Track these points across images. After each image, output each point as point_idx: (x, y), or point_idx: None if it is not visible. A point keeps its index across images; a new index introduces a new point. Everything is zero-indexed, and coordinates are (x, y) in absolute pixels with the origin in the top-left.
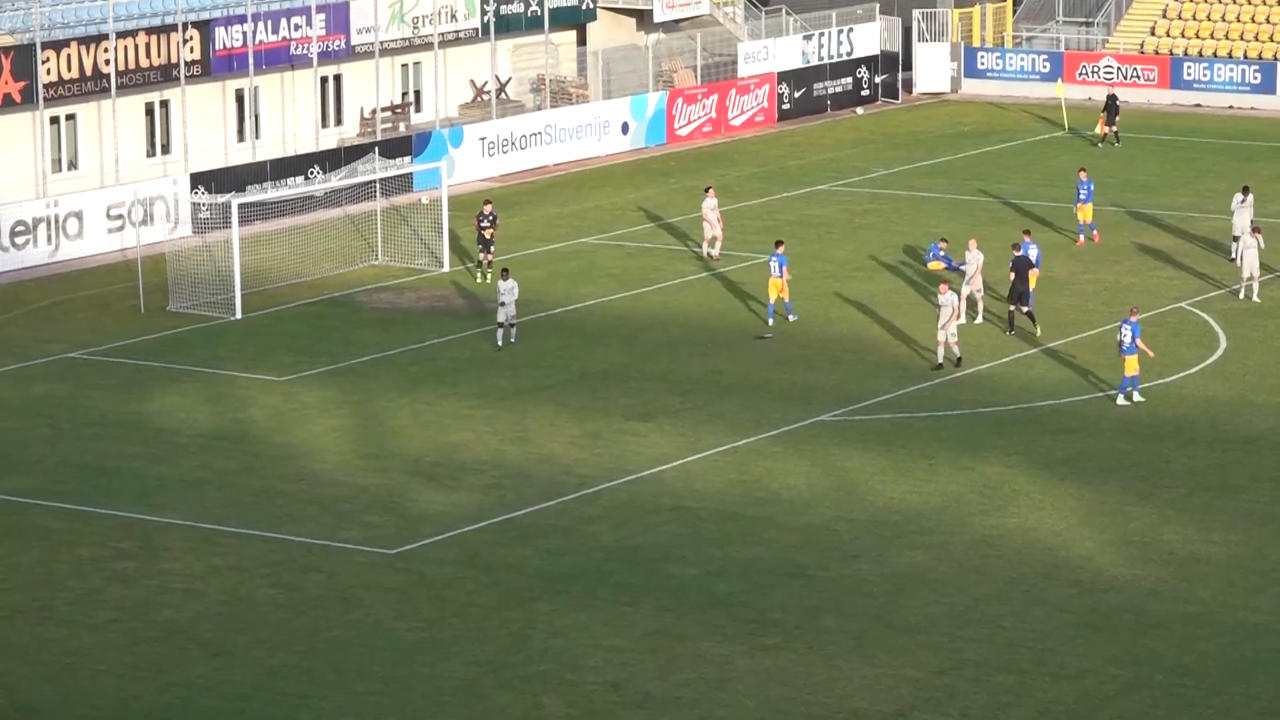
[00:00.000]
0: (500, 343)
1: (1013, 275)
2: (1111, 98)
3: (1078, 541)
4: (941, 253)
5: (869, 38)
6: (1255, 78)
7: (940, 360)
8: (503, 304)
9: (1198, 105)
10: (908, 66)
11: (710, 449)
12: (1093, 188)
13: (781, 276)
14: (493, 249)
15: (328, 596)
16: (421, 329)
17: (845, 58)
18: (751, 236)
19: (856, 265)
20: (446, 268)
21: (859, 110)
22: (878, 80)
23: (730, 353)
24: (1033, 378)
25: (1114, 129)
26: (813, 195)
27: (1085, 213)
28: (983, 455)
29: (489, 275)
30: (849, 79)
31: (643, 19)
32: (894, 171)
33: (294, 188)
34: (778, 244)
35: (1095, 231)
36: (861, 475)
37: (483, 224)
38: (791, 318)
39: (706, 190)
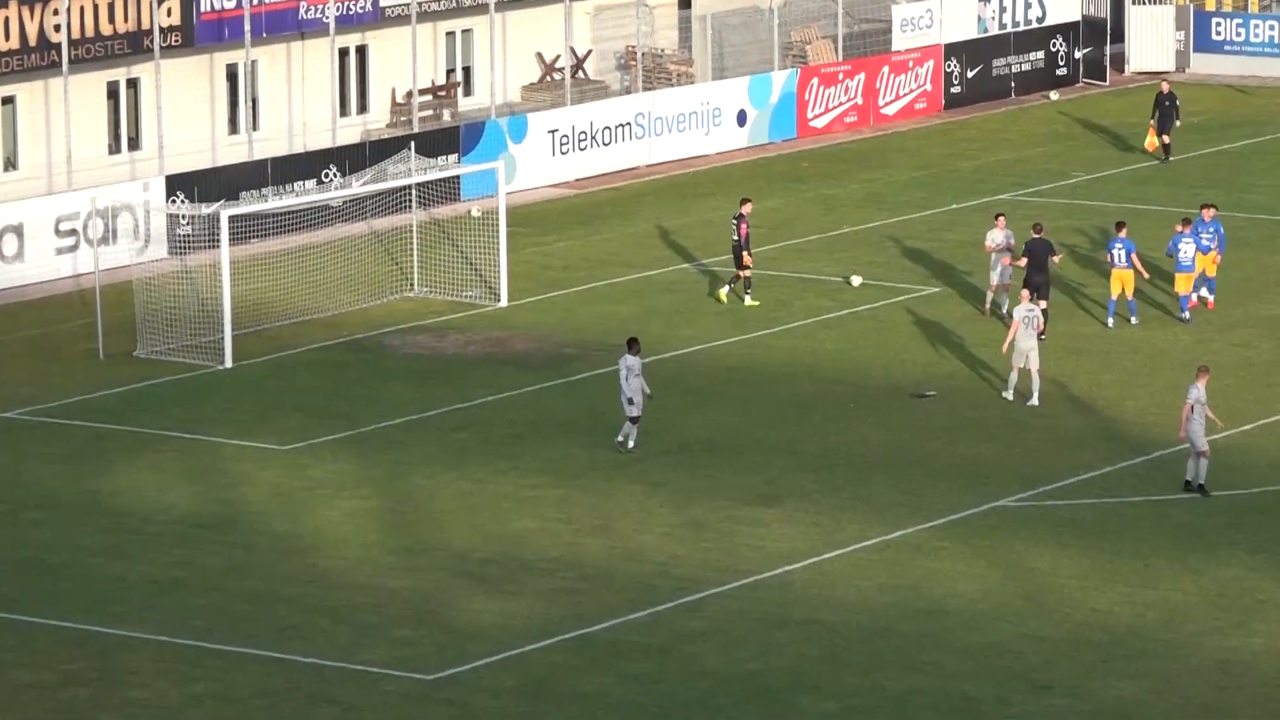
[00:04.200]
0: (632, 442)
1: (1024, 262)
2: (1164, 96)
3: None
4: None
5: (1067, 0)
6: None
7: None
8: (630, 400)
9: None
10: (1118, 38)
11: (853, 543)
12: (1222, 231)
13: (1130, 266)
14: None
15: None
16: (470, 382)
17: (1035, 25)
18: (909, 262)
19: (1051, 302)
20: (504, 301)
21: (1053, 95)
22: (1078, 56)
23: (881, 416)
24: None
25: (1164, 139)
26: (991, 207)
27: (1207, 264)
28: (1217, 554)
29: (737, 293)
30: (1040, 54)
31: None
32: (1098, 176)
33: (303, 195)
34: (1119, 226)
35: (1211, 297)
36: (1055, 579)
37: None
38: (1134, 320)
39: (997, 218)
